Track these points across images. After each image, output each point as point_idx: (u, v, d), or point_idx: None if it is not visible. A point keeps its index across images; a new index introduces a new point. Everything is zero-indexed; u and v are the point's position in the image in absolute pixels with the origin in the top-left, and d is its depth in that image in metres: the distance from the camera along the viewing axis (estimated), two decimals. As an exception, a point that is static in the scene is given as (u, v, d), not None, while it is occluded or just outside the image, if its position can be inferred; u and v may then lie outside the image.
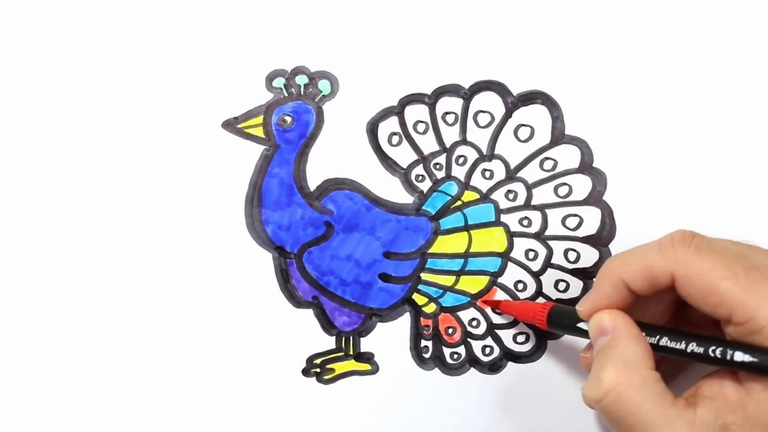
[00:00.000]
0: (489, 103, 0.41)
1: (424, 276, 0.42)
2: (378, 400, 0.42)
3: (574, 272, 0.41)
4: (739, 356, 0.30)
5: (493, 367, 0.42)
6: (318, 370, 0.42)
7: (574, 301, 0.41)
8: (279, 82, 0.42)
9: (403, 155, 0.42)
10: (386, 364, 0.42)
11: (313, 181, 0.42)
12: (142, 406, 0.42)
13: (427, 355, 0.42)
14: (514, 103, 0.41)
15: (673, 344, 0.32)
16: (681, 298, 0.33)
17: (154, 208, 0.42)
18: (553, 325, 0.37)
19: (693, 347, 0.31)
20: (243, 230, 0.42)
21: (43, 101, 0.42)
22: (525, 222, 0.41)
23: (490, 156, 0.41)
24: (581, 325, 0.35)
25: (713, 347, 0.31)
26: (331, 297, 0.42)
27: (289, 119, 0.42)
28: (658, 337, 0.33)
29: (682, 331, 0.33)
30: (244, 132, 0.42)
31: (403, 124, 0.42)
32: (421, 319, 0.42)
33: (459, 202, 0.42)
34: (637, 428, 0.31)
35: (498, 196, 0.41)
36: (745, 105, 0.40)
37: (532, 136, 0.41)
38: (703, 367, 0.32)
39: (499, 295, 0.42)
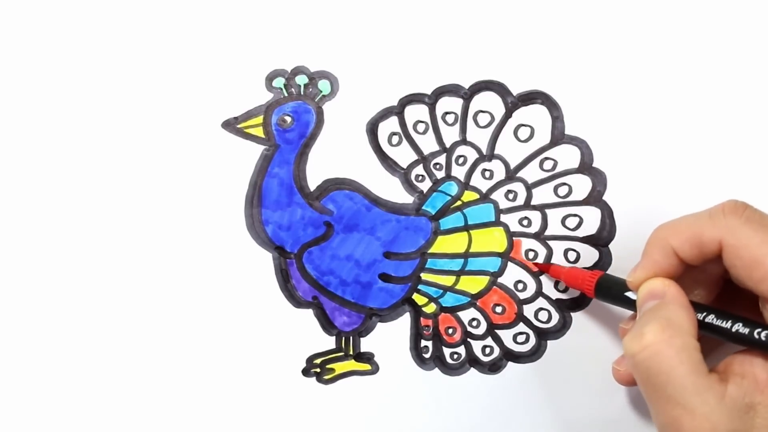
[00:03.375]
0: (489, 103, 0.41)
1: (424, 276, 0.42)
2: (378, 400, 0.42)
3: (574, 272, 0.41)
4: None
5: (493, 367, 0.42)
6: (318, 370, 0.42)
7: (574, 301, 0.41)
8: (279, 82, 0.42)
9: (403, 155, 0.42)
10: (386, 364, 0.42)
11: (313, 181, 0.42)
12: (143, 405, 0.42)
13: (427, 355, 0.42)
14: (514, 103, 0.41)
15: (719, 322, 0.32)
16: (726, 277, 0.33)
17: (155, 208, 0.42)
18: (601, 294, 0.37)
19: (738, 327, 0.32)
20: (243, 230, 0.42)
21: (43, 101, 0.42)
22: (525, 222, 0.41)
23: (490, 156, 0.41)
24: (629, 294, 0.35)
25: (759, 329, 0.31)
26: (331, 297, 0.42)
27: (289, 119, 0.42)
28: (704, 313, 0.33)
29: (729, 313, 0.33)
30: (244, 132, 0.42)
31: (403, 124, 0.42)
32: (421, 319, 0.42)
33: (459, 202, 0.42)
34: (667, 390, 0.30)
35: (498, 196, 0.42)
36: (745, 105, 0.40)
37: (532, 136, 0.41)
38: (734, 345, 0.33)
39: (499, 295, 0.42)
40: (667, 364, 0.31)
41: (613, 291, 0.37)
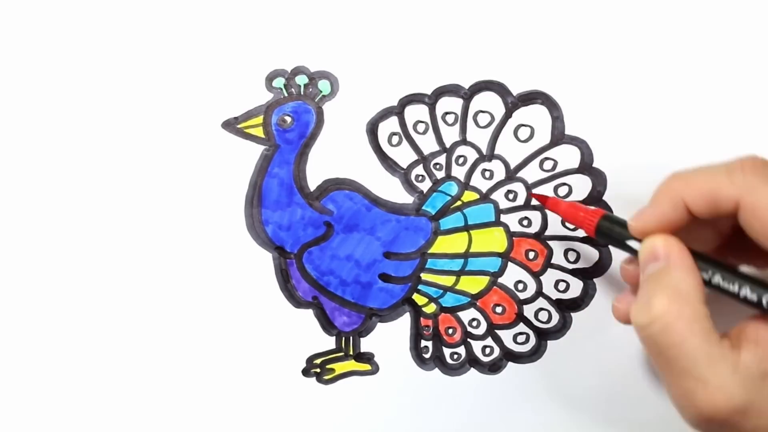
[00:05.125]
0: (489, 103, 0.41)
1: (424, 276, 0.42)
2: (378, 400, 0.42)
3: (574, 272, 0.41)
4: None
5: (493, 367, 0.42)
6: (318, 370, 0.42)
7: (574, 301, 0.41)
8: (279, 82, 0.42)
9: (403, 155, 0.42)
10: (386, 364, 0.42)
11: (313, 181, 0.42)
12: (143, 405, 0.42)
13: (427, 356, 0.42)
14: (514, 103, 0.41)
15: (725, 284, 0.31)
16: (737, 227, 0.31)
17: (155, 209, 0.42)
18: (602, 235, 0.36)
19: (746, 292, 0.31)
20: (243, 230, 0.42)
21: (43, 101, 0.42)
22: (525, 222, 0.41)
23: (490, 156, 0.41)
24: (631, 243, 0.34)
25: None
26: (331, 297, 0.42)
27: (289, 119, 0.42)
28: (711, 272, 0.32)
29: (737, 271, 0.32)
30: (244, 132, 0.42)
31: (403, 124, 0.42)
32: (421, 319, 0.42)
33: (459, 202, 0.42)
34: (679, 362, 0.30)
35: (498, 196, 0.41)
36: (744, 105, 0.40)
37: (532, 136, 0.41)
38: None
39: (499, 296, 0.42)
40: (679, 336, 0.30)
41: (615, 234, 0.35)
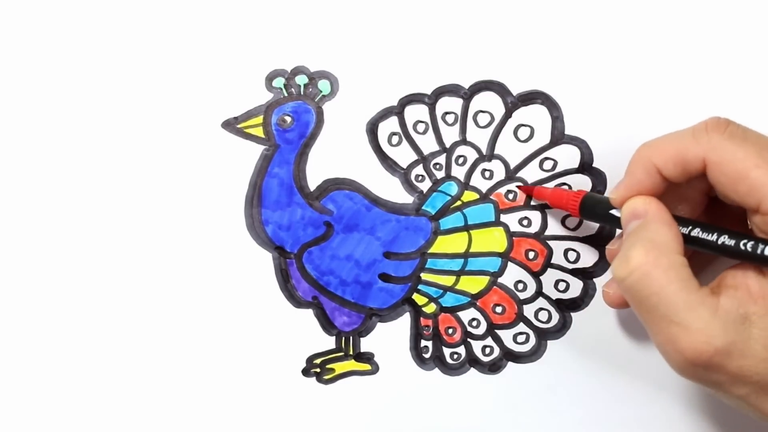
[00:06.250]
0: (489, 103, 0.41)
1: (424, 276, 0.42)
2: (378, 400, 0.42)
3: (574, 272, 0.41)
4: None
5: (493, 367, 0.42)
6: (318, 370, 0.42)
7: (574, 301, 0.41)
8: (279, 82, 0.42)
9: (403, 155, 0.42)
10: (386, 364, 0.42)
11: (313, 181, 0.42)
12: (142, 405, 0.42)
13: (427, 355, 0.42)
14: (514, 103, 0.41)
15: (704, 235, 0.32)
16: (712, 193, 0.33)
17: (154, 209, 0.42)
18: (586, 212, 0.37)
19: (724, 240, 0.32)
20: (243, 230, 0.42)
21: (43, 102, 0.42)
22: (525, 222, 0.41)
23: (490, 156, 0.41)
24: (614, 212, 0.35)
25: (744, 240, 0.31)
26: (331, 297, 0.42)
27: (289, 119, 0.42)
28: (690, 227, 0.33)
29: (713, 225, 0.33)
30: (244, 132, 0.42)
31: (403, 124, 0.42)
32: (421, 319, 0.42)
33: (459, 202, 0.42)
34: (660, 309, 0.31)
35: (498, 195, 0.41)
36: (744, 105, 0.40)
37: (532, 136, 0.41)
38: (728, 261, 0.33)
39: (499, 295, 0.42)
40: (657, 284, 0.31)
41: (598, 209, 0.36)
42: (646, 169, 0.33)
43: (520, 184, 0.41)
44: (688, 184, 0.34)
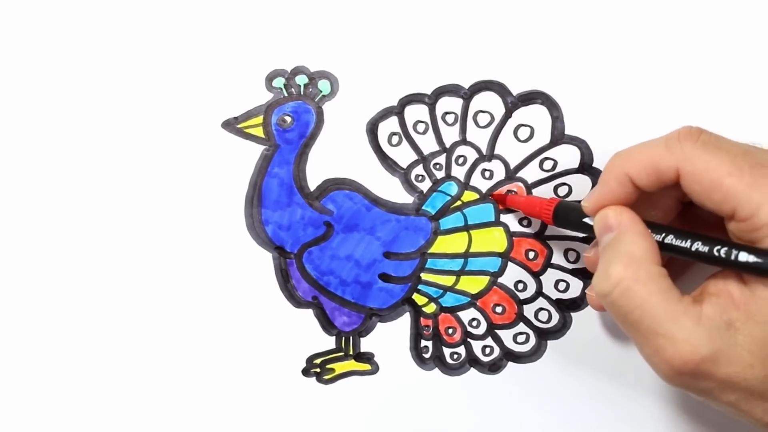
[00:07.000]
0: (489, 103, 0.41)
1: (424, 276, 0.42)
2: (378, 400, 0.42)
3: (574, 272, 0.41)
4: (744, 257, 0.30)
5: (493, 367, 0.42)
6: (318, 370, 0.42)
7: (574, 301, 0.41)
8: (279, 82, 0.42)
9: (403, 155, 0.42)
10: (386, 364, 0.42)
11: (313, 181, 0.42)
12: (142, 405, 0.42)
13: (427, 355, 0.42)
14: (514, 103, 0.41)
15: (678, 242, 0.32)
16: (685, 199, 0.32)
17: (154, 209, 0.42)
18: (559, 220, 0.37)
19: (698, 246, 0.32)
20: (243, 230, 0.42)
21: (43, 102, 0.42)
22: (525, 222, 0.41)
23: (490, 156, 0.41)
24: (587, 220, 0.35)
25: (718, 247, 0.31)
26: (331, 297, 0.42)
27: (289, 119, 0.42)
28: (663, 234, 0.33)
29: (688, 230, 0.33)
30: (244, 132, 0.42)
31: (403, 124, 0.42)
32: (421, 319, 0.42)
33: (459, 202, 0.42)
34: (644, 322, 0.31)
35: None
36: (744, 105, 0.40)
37: (531, 136, 0.41)
38: (710, 268, 0.32)
39: (499, 295, 0.42)
40: (638, 297, 0.31)
41: (572, 217, 0.36)
42: (619, 179, 0.33)
43: (519, 184, 0.41)
44: (661, 191, 0.34)
